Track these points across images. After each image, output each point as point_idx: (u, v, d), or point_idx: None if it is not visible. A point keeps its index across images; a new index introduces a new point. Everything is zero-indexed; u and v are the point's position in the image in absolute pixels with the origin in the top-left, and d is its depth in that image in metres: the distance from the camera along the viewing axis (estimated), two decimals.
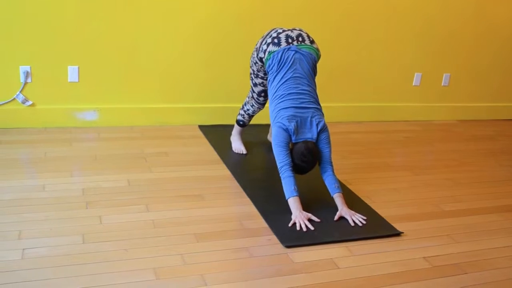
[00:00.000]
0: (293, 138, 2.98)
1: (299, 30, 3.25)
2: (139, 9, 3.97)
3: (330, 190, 3.00)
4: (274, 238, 2.67)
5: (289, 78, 3.10)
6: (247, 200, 3.08)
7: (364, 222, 2.89)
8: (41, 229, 2.54)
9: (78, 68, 3.95)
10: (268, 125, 4.51)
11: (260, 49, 3.28)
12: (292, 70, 3.11)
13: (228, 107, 4.44)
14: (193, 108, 4.37)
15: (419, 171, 3.83)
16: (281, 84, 3.10)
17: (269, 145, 3.98)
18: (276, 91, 3.12)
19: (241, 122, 3.81)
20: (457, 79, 5.24)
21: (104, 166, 3.38)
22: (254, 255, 2.50)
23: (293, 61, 3.12)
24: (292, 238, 2.66)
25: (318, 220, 2.85)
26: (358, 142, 4.38)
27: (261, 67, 3.36)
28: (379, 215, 3.02)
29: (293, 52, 3.14)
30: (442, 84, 5.19)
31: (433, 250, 2.70)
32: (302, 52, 3.15)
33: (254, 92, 3.58)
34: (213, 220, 2.79)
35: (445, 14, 4.91)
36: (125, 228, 2.62)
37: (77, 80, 3.98)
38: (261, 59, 3.29)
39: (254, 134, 4.23)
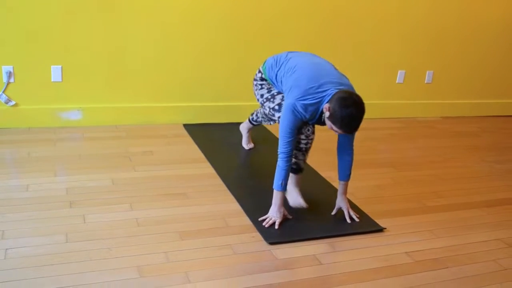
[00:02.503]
0: (307, 116, 2.68)
1: None
2: (123, 8, 3.96)
3: (340, 174, 2.92)
4: (257, 235, 2.69)
5: (295, 56, 2.90)
6: (231, 198, 3.09)
7: (357, 220, 2.91)
8: (25, 229, 2.54)
9: (61, 67, 3.94)
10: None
11: (256, 76, 3.19)
12: (295, 54, 2.93)
13: (213, 105, 4.45)
14: (177, 107, 4.37)
15: (403, 167, 3.87)
16: (289, 60, 2.89)
17: (253, 143, 3.99)
18: (285, 66, 2.87)
19: (294, 166, 3.02)
20: (440, 76, 5.29)
21: (88, 165, 3.38)
22: (238, 252, 2.51)
23: (291, 55, 2.96)
24: (276, 235, 2.68)
25: (290, 217, 2.86)
26: None
27: (268, 83, 3.12)
28: (362, 211, 3.05)
29: (286, 52, 3.03)
30: (425, 82, 5.23)
31: (415, 245, 2.74)
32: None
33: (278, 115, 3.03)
34: (197, 218, 2.80)
35: (429, 12, 4.95)
36: (109, 227, 2.63)
37: (60, 80, 3.97)
38: (261, 78, 3.13)
39: (238, 132, 4.24)
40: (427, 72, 5.20)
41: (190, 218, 2.80)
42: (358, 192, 3.33)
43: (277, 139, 4.09)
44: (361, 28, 4.76)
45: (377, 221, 2.95)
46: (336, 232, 2.78)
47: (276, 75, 2.97)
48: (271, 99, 3.03)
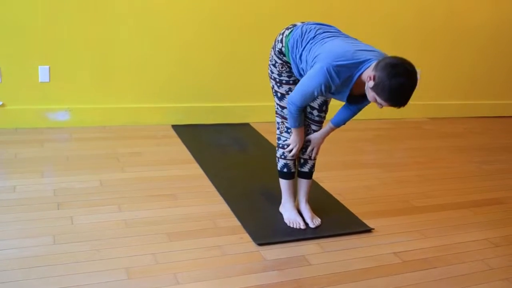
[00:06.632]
0: (338, 83, 2.32)
1: None
2: (110, 8, 3.94)
3: (334, 118, 2.71)
4: (246, 236, 2.68)
5: (322, 33, 2.47)
6: (219, 199, 3.08)
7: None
8: (11, 231, 2.52)
9: (49, 68, 3.92)
10: (240, 124, 4.53)
11: (277, 41, 2.64)
12: (322, 32, 2.48)
13: (202, 106, 4.44)
14: (166, 108, 4.36)
15: (390, 168, 3.89)
16: (314, 36, 2.46)
17: (242, 144, 4.00)
18: (311, 43, 2.44)
19: (285, 170, 2.82)
20: (428, 77, 5.31)
21: (76, 166, 3.36)
22: (227, 253, 2.51)
23: (318, 28, 2.51)
24: (264, 236, 2.68)
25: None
26: (329, 139, 4.38)
27: (282, 66, 2.63)
28: (350, 211, 3.06)
29: (314, 24, 2.55)
30: None
31: (403, 246, 2.75)
32: (325, 24, 2.61)
33: (283, 111, 2.70)
34: (186, 219, 2.80)
35: (417, 13, 4.98)
36: (97, 229, 2.61)
37: (48, 80, 3.95)
38: (280, 51, 2.60)
39: (227, 133, 4.25)
40: None
41: (179, 219, 2.79)
42: (346, 193, 3.34)
43: (267, 142, 4.11)
44: (349, 28, 4.76)
45: (365, 221, 2.96)
46: (324, 232, 2.78)
47: (301, 55, 2.50)
48: (281, 98, 2.71)
